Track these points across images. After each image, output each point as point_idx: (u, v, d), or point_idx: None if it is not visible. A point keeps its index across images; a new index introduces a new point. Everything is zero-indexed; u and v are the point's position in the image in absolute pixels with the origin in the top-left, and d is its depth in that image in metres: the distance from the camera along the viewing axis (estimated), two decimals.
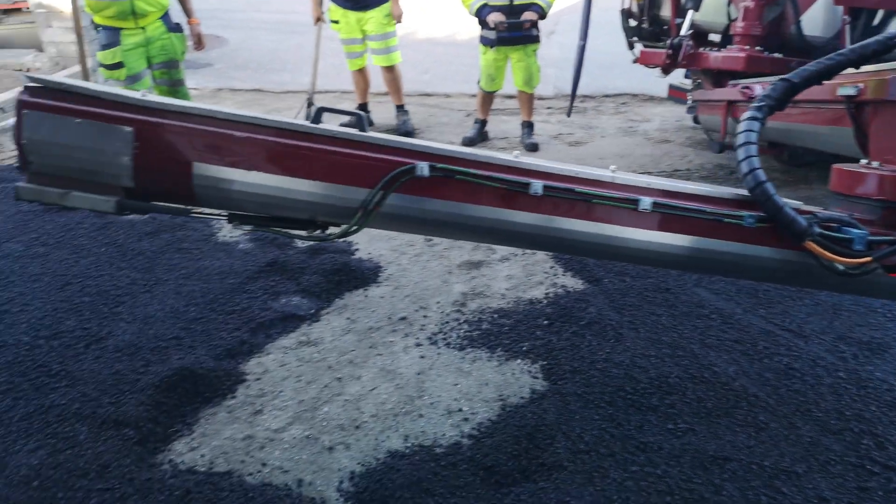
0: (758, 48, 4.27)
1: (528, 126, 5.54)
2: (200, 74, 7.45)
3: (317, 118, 1.88)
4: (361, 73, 5.70)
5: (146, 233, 3.69)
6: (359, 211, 1.85)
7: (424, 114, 6.21)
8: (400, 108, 5.78)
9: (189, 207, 1.92)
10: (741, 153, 1.83)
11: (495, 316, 3.04)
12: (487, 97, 5.55)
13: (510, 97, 6.78)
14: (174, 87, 4.35)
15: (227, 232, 3.81)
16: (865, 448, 2.22)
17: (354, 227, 1.88)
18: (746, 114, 1.90)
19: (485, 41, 5.23)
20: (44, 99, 1.76)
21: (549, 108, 6.72)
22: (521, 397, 2.51)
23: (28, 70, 6.39)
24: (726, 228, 1.82)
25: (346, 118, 5.77)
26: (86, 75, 3.87)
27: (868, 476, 2.12)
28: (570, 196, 1.85)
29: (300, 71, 7.85)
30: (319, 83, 7.36)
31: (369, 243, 3.73)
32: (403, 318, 3.04)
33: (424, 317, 3.05)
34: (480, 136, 5.61)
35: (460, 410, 2.46)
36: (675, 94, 6.23)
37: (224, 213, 1.94)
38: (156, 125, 1.78)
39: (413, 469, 2.16)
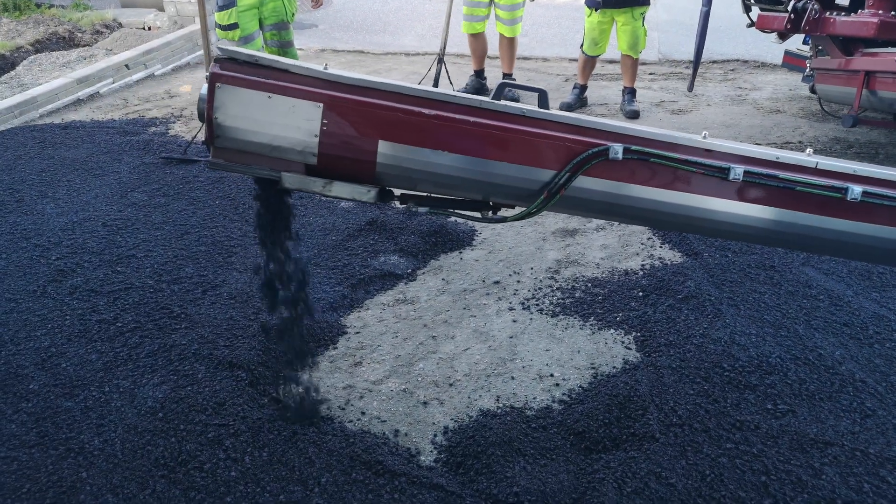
0: (893, 13, 3.96)
1: (630, 92, 5.38)
2: (305, 35, 7.65)
3: (498, 94, 1.85)
4: (479, 38, 5.65)
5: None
6: (542, 193, 1.79)
7: (522, 78, 6.13)
8: (508, 76, 5.76)
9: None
10: None
11: (589, 285, 3.04)
12: (589, 62, 5.42)
13: (611, 62, 6.59)
14: (284, 48, 4.50)
15: None
16: None
17: (534, 210, 1.83)
18: None
19: (590, 3, 5.08)
20: (234, 72, 1.72)
21: (651, 73, 6.49)
22: (614, 367, 2.52)
23: (150, 28, 6.77)
24: None
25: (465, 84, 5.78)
26: (205, 35, 4.07)
27: None
28: (772, 183, 1.75)
29: (400, 33, 7.91)
30: (422, 45, 7.40)
31: None
32: (497, 282, 3.08)
33: (518, 282, 3.09)
34: (579, 102, 5.50)
35: (552, 376, 2.50)
36: (791, 62, 5.87)
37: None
38: (345, 101, 1.74)
39: (504, 429, 2.22)
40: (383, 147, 1.76)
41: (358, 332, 2.73)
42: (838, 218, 1.77)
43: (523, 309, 2.89)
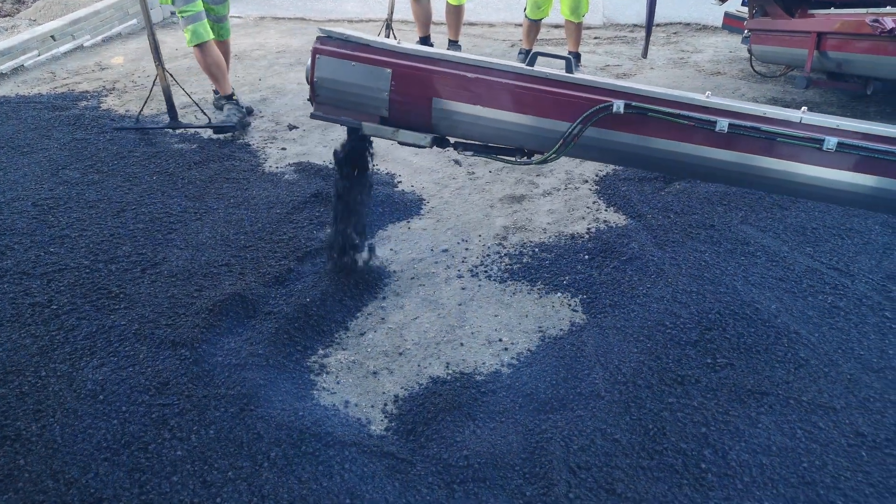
0: None
1: (575, 57, 5.38)
2: (244, 2, 7.39)
3: (531, 61, 2.22)
4: (422, 5, 5.53)
5: (195, 162, 3.76)
6: (559, 141, 2.18)
7: (468, 44, 6.07)
8: (454, 42, 5.68)
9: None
10: None
11: (536, 250, 3.06)
12: (533, 26, 5.39)
13: (556, 27, 6.58)
14: (219, 22, 4.36)
15: (273, 163, 3.86)
16: None
17: (552, 156, 2.23)
18: None
19: None
20: (330, 46, 2.25)
21: (596, 38, 6.51)
22: (561, 329, 2.56)
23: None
24: None
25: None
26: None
27: None
28: (755, 135, 2.03)
29: None
30: (365, 11, 7.24)
31: (412, 176, 3.75)
32: (445, 251, 3.08)
33: (466, 249, 3.09)
34: None
35: (500, 340, 2.52)
36: (731, 23, 5.96)
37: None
38: (407, 67, 2.21)
39: (454, 394, 2.24)
40: (436, 103, 2.24)
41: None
42: (816, 166, 2.03)
43: (472, 276, 2.90)
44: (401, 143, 2.35)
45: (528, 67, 2.16)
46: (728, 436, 2.03)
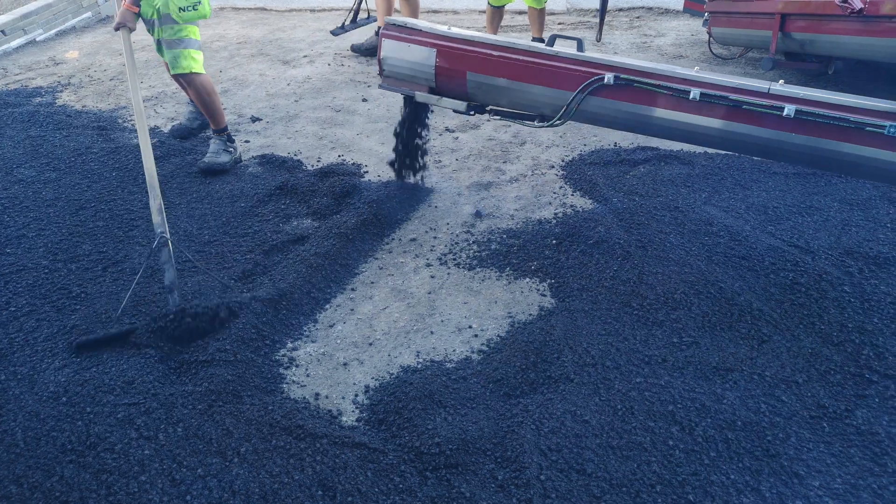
0: None
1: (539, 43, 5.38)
2: None
3: (551, 42, 2.73)
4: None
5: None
6: (563, 108, 2.60)
7: None
8: None
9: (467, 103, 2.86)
10: None
11: (504, 236, 3.07)
12: (496, 13, 5.37)
13: (520, 13, 6.58)
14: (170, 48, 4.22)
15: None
16: (865, 358, 2.27)
17: (559, 122, 2.66)
18: None
19: None
20: (392, 31, 2.87)
21: (560, 23, 6.51)
22: (530, 314, 2.57)
23: None
24: (866, 136, 2.21)
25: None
26: None
27: (866, 385, 2.18)
28: (724, 102, 2.36)
29: None
30: (328, 0, 7.15)
31: (378, 166, 3.72)
32: (413, 240, 3.07)
33: (434, 238, 3.08)
34: None
35: (470, 327, 2.52)
36: (692, 7, 6.02)
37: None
38: (447, 47, 2.76)
39: (425, 382, 2.24)
40: (470, 76, 2.76)
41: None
42: (777, 130, 2.33)
43: (440, 264, 2.90)
44: (455, 112, 2.86)
45: (543, 47, 2.60)
46: (694, 413, 2.07)
